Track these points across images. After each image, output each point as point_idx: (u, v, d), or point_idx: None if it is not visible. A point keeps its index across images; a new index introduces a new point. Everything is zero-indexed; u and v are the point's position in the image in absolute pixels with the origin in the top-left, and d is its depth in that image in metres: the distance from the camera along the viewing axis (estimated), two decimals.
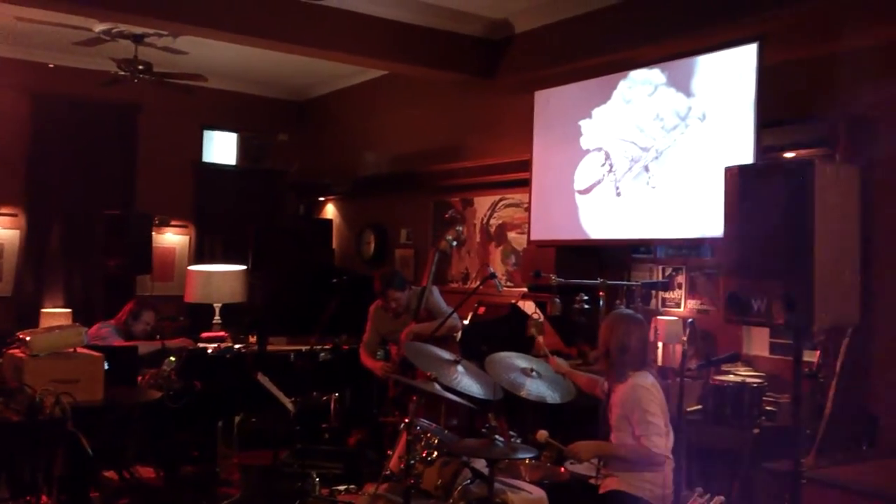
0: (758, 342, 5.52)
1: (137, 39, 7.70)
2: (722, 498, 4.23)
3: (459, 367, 4.40)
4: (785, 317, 3.11)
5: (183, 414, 5.80)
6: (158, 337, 6.70)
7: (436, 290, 6.02)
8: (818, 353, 4.96)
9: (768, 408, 5.01)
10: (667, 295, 6.15)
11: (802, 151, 5.23)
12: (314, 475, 5.75)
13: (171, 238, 10.00)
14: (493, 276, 5.73)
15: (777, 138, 5.27)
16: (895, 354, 4.82)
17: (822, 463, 4.13)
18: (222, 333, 7.28)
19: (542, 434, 4.20)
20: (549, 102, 6.86)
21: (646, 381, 4.10)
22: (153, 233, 8.93)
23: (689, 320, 5.17)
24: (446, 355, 4.53)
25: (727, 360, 4.54)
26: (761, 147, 5.17)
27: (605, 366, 4.30)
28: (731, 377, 5.13)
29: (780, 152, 5.30)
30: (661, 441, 3.98)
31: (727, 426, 4.89)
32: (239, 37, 6.87)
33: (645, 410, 3.99)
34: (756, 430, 4.81)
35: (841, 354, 4.71)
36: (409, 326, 5.74)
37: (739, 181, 3.33)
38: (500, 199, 7.84)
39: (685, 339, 4.26)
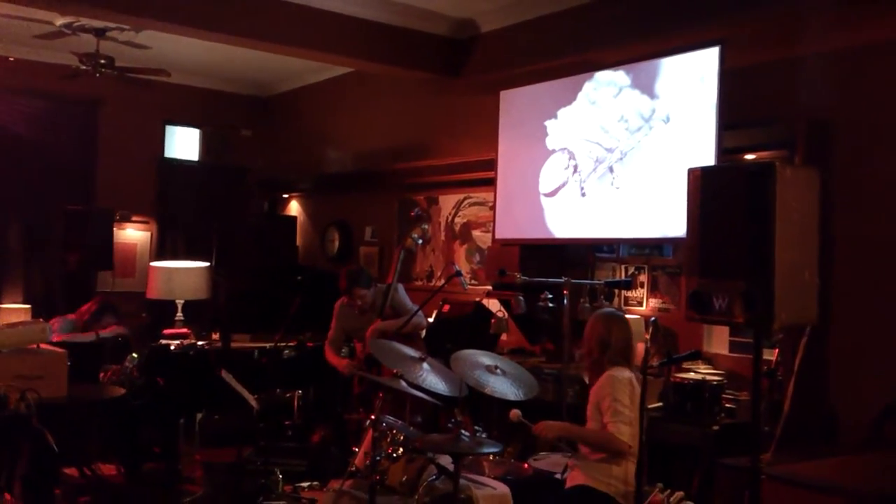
0: (717, 340, 5.61)
1: (99, 33, 7.62)
2: (682, 494, 4.30)
3: (425, 365, 4.41)
4: (745, 315, 3.16)
5: (145, 411, 5.77)
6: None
7: (401, 288, 6.04)
8: (777, 351, 5.04)
9: (728, 405, 5.08)
10: (629, 293, 6.21)
11: (763, 153, 5.32)
12: (277, 472, 5.74)
13: (133, 234, 9.89)
14: (458, 273, 5.77)
15: (738, 140, 5.35)
16: (852, 353, 4.92)
17: (780, 459, 4.19)
18: (185, 330, 7.24)
19: (515, 413, 4.33)
20: (514, 102, 6.89)
21: (622, 374, 4.15)
22: (114, 228, 8.81)
23: (652, 318, 5.25)
24: (412, 352, 4.55)
25: (688, 357, 4.57)
26: (722, 149, 5.24)
27: (588, 363, 4.37)
28: (691, 375, 5.20)
29: (741, 154, 5.37)
30: (627, 430, 4.01)
31: (688, 423, 4.96)
32: (202, 32, 6.81)
33: (615, 399, 4.04)
34: (716, 427, 4.88)
35: (799, 353, 4.79)
36: (375, 324, 5.75)
37: (702, 182, 3.37)
38: (465, 198, 7.87)
39: (648, 336, 4.30)
